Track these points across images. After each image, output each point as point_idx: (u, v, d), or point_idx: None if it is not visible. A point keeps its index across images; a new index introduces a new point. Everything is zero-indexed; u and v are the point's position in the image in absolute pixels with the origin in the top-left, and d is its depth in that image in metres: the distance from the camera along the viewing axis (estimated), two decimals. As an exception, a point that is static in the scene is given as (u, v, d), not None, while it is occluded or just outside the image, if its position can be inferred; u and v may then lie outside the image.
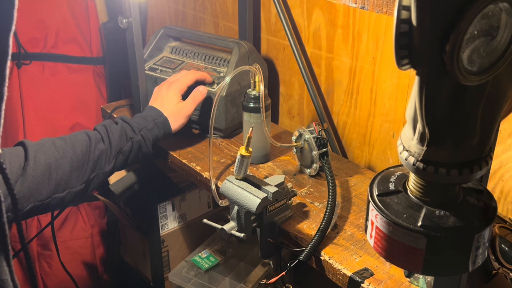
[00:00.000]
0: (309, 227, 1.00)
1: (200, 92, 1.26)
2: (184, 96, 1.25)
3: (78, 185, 1.09)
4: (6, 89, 0.49)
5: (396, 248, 0.62)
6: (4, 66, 0.48)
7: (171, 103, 1.23)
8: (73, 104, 1.87)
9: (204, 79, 1.30)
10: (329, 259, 0.91)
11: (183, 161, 1.24)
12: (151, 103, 1.25)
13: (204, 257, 1.58)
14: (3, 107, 0.49)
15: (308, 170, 1.16)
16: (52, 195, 1.05)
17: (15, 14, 0.47)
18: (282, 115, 1.48)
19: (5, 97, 0.49)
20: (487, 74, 0.52)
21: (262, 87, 1.13)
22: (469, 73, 0.51)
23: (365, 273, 0.87)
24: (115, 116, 1.50)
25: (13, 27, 0.47)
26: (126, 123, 1.18)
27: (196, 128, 1.35)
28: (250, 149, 0.96)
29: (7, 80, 0.48)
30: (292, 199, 1.01)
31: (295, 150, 1.17)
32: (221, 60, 1.36)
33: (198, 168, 1.21)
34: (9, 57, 0.48)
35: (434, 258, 0.61)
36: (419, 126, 0.56)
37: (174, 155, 1.27)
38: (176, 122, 1.23)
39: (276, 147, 1.22)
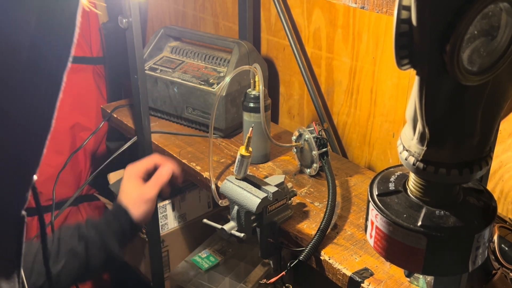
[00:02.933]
0: (309, 227, 1.00)
1: (164, 174, 1.15)
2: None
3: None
4: (53, 121, 0.50)
5: (396, 248, 0.62)
6: (56, 99, 0.50)
7: (130, 190, 1.12)
8: (73, 104, 1.86)
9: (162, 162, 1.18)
10: (329, 259, 0.91)
11: (183, 161, 1.24)
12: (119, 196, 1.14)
13: (204, 257, 1.58)
14: (48, 137, 0.50)
15: (308, 170, 1.16)
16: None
17: (72, 51, 0.48)
18: (282, 115, 1.48)
19: (51, 128, 0.50)
20: (488, 74, 0.52)
21: (262, 87, 1.13)
22: (469, 73, 0.51)
23: (365, 273, 0.87)
24: (115, 116, 1.50)
25: (69, 64, 0.48)
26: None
27: (196, 128, 1.35)
28: (250, 149, 0.96)
29: (55, 112, 0.50)
30: (292, 199, 1.01)
31: (295, 150, 1.17)
32: (221, 60, 1.36)
33: (198, 168, 1.21)
34: (61, 92, 0.50)
35: (434, 258, 0.61)
36: (419, 126, 0.56)
37: (174, 155, 1.27)
38: (136, 210, 1.09)
39: (276, 147, 1.22)
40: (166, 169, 1.16)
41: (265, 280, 0.91)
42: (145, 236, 1.63)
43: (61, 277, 0.98)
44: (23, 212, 0.53)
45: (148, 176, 1.16)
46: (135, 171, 1.15)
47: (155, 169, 1.17)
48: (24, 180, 0.51)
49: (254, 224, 0.96)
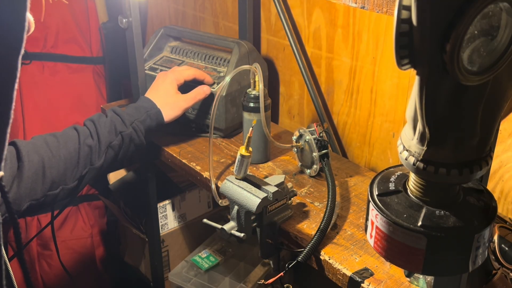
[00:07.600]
0: (309, 227, 0.99)
1: (203, 91, 1.27)
2: (183, 91, 1.26)
3: (71, 182, 1.10)
4: (12, 112, 0.47)
5: (396, 248, 0.62)
6: (12, 88, 0.46)
7: (167, 93, 1.23)
8: (73, 104, 1.86)
9: (204, 79, 1.30)
10: (329, 259, 0.91)
11: (183, 161, 1.24)
12: (147, 92, 1.26)
13: (204, 257, 1.57)
14: (8, 130, 0.48)
15: (308, 170, 1.16)
16: (47, 193, 1.06)
17: (25, 36, 0.46)
18: (282, 115, 1.48)
19: (10, 121, 0.48)
20: (488, 74, 0.52)
21: (261, 87, 1.13)
22: (469, 73, 0.51)
23: (365, 273, 0.87)
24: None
25: (22, 50, 0.46)
26: (117, 115, 1.17)
27: (193, 127, 1.35)
28: (250, 149, 0.96)
29: (14, 103, 0.47)
30: (292, 199, 1.01)
31: (295, 149, 1.17)
32: (221, 60, 1.36)
33: (198, 168, 1.21)
34: (17, 80, 0.46)
35: (434, 258, 0.61)
36: (419, 126, 0.56)
37: (174, 155, 1.27)
38: (171, 113, 1.22)
39: (276, 147, 1.22)
40: (208, 88, 1.27)
41: (263, 280, 0.91)
42: (145, 236, 1.63)
43: (103, 167, 1.15)
44: None
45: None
46: (176, 75, 1.26)
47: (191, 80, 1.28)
48: None
49: (254, 224, 0.96)
